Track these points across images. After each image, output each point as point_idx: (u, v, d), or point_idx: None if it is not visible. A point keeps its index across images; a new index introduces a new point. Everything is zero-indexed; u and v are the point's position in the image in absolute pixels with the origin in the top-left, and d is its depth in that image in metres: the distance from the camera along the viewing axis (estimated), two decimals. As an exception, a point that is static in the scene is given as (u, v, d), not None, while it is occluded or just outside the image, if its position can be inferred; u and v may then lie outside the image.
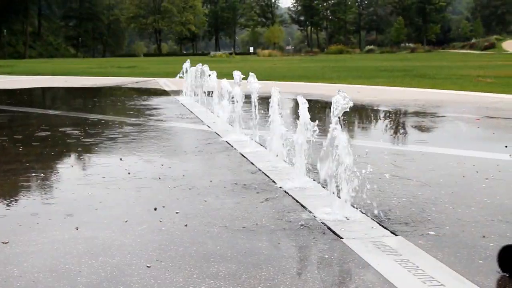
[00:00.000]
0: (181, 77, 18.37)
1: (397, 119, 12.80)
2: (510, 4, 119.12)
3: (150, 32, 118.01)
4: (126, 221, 4.71)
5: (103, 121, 11.95)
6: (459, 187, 5.87)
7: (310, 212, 4.92)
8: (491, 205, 5.16)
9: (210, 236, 4.32)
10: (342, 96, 4.63)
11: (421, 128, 10.92)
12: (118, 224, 4.64)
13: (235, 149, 8.21)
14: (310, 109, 5.79)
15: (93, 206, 5.22)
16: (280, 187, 5.82)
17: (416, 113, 13.16)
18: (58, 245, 4.14)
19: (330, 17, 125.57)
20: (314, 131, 5.49)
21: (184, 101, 16.19)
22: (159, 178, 6.33)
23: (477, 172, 6.55)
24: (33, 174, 6.68)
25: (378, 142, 8.99)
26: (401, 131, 11.05)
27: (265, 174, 6.49)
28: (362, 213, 4.82)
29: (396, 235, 4.30)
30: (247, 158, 7.45)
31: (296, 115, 6.04)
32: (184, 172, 6.66)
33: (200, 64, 14.89)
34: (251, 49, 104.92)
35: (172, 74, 28.63)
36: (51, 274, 3.60)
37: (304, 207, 5.08)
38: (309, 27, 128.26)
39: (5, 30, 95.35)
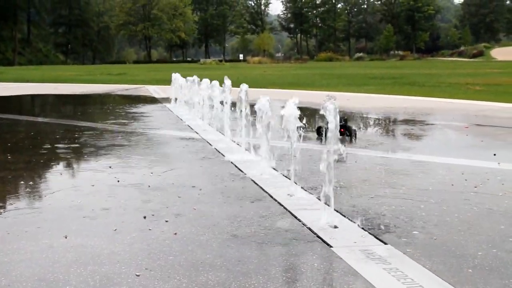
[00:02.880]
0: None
1: (387, 127, 12.86)
2: (498, 12, 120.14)
3: (139, 39, 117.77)
4: (115, 230, 4.69)
5: (92, 129, 11.91)
6: (448, 195, 5.89)
7: (298, 220, 4.92)
8: (480, 213, 5.19)
9: (200, 245, 4.31)
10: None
11: (410, 136, 10.97)
12: (107, 233, 4.62)
13: (225, 156, 8.21)
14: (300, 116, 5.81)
15: (82, 214, 5.20)
16: (271, 196, 5.82)
17: (406, 121, 13.23)
18: (47, 254, 4.12)
19: (320, 25, 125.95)
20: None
21: (173, 108, 16.18)
22: (149, 186, 6.31)
23: (466, 180, 6.58)
24: (22, 182, 6.65)
25: (367, 150, 9.02)
26: (391, 138, 11.09)
27: (255, 182, 6.49)
28: (351, 221, 4.84)
29: (385, 244, 4.32)
30: (237, 167, 7.45)
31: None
32: (173, 180, 6.65)
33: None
34: (241, 56, 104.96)
35: (161, 82, 28.65)
36: (39, 283, 3.58)
37: (291, 213, 5.09)
38: (299, 35, 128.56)
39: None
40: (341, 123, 8.17)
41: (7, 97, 22.84)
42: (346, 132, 9.82)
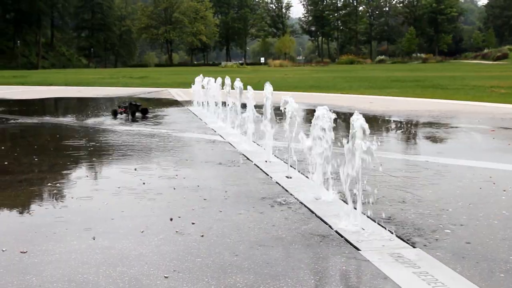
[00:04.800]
0: None
1: (411, 130, 12.75)
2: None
3: (161, 43, 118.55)
4: (142, 232, 4.71)
5: (116, 131, 11.98)
6: (476, 199, 5.82)
7: (325, 223, 4.90)
8: (510, 217, 5.11)
9: (227, 247, 4.30)
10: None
11: (435, 139, 10.86)
12: (134, 234, 4.64)
13: (249, 159, 8.20)
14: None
15: (109, 216, 5.23)
16: (297, 199, 5.79)
17: (430, 124, 13.11)
18: (76, 255, 4.14)
19: (341, 28, 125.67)
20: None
21: (196, 111, 16.23)
22: (174, 189, 6.33)
23: (494, 183, 6.49)
24: (48, 184, 6.70)
25: (392, 153, 8.95)
26: (415, 142, 11.00)
27: (280, 185, 6.47)
28: (379, 225, 4.80)
29: (414, 247, 4.27)
30: (261, 169, 7.44)
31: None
32: (199, 182, 6.66)
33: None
34: (262, 60, 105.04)
35: (183, 85, 28.75)
36: (69, 284, 3.60)
37: (318, 216, 5.06)
38: (320, 37, 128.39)
39: (18, 41, 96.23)
40: (125, 105, 14.77)
41: (32, 100, 23.09)
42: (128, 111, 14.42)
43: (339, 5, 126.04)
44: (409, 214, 5.20)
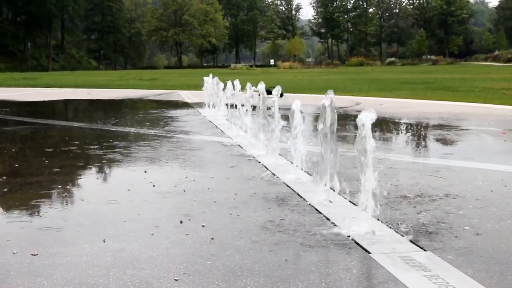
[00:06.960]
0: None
1: (421, 132, 12.71)
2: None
3: (170, 45, 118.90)
4: (152, 234, 4.71)
5: (126, 134, 12.02)
6: (487, 201, 5.78)
7: (336, 225, 4.88)
8: (521, 220, 5.08)
9: (237, 250, 4.30)
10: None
11: (445, 141, 10.81)
12: (144, 237, 4.65)
13: (258, 161, 8.20)
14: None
15: (119, 219, 5.23)
16: (306, 201, 5.78)
17: (440, 126, 13.05)
18: (86, 258, 4.15)
19: (351, 29, 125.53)
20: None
21: (206, 113, 16.24)
22: (184, 191, 6.33)
23: (505, 186, 6.45)
24: (59, 186, 6.73)
25: (402, 155, 8.92)
26: (425, 144, 10.96)
27: (289, 187, 6.46)
28: (389, 227, 4.78)
29: (425, 250, 4.25)
30: (270, 171, 7.43)
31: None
32: (208, 185, 6.66)
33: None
34: (272, 61, 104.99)
35: (193, 87, 28.81)
36: (80, 287, 3.61)
37: (328, 219, 5.05)
38: (330, 39, 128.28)
39: (29, 44, 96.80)
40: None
41: (42, 102, 23.20)
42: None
43: (349, 7, 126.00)
44: (419, 217, 5.17)
